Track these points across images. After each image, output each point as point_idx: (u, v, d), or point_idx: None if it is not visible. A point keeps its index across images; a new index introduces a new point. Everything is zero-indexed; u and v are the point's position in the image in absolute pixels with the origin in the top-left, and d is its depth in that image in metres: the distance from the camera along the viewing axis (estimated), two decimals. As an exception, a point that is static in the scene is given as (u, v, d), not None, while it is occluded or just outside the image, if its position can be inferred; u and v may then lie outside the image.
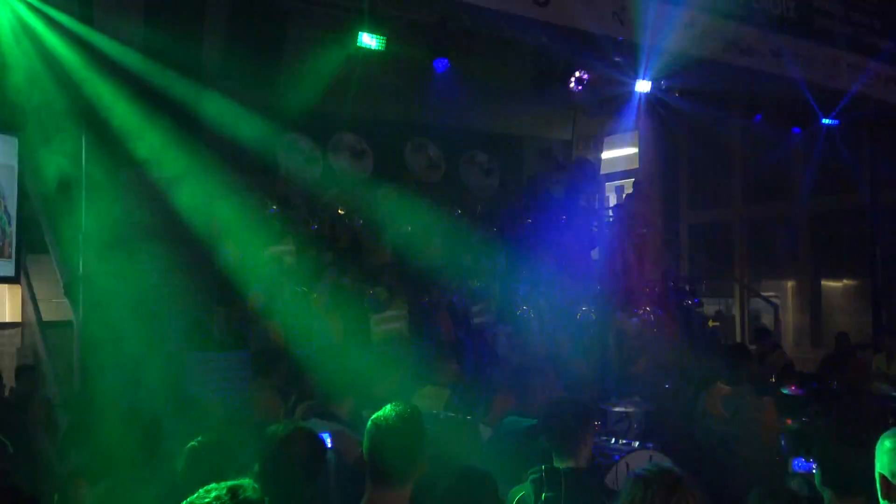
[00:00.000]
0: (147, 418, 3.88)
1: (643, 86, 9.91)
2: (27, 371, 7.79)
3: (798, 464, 3.48)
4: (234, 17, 7.65)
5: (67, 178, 8.80)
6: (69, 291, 8.59)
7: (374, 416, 2.73)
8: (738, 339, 14.46)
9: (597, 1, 8.56)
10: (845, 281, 15.19)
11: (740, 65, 9.85)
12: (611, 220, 13.32)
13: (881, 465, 2.60)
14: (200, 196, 10.94)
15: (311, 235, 10.31)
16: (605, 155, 16.11)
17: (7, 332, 9.34)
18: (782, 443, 5.77)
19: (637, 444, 5.61)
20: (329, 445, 3.83)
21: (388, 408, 2.75)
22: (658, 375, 9.20)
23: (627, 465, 4.99)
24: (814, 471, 3.33)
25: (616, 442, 5.70)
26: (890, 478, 2.53)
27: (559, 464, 3.31)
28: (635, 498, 2.23)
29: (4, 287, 9.42)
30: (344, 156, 11.44)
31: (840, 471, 2.89)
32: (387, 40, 8.36)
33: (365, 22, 8.22)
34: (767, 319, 14.37)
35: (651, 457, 5.09)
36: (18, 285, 9.38)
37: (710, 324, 13.12)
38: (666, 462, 5.02)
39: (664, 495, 2.19)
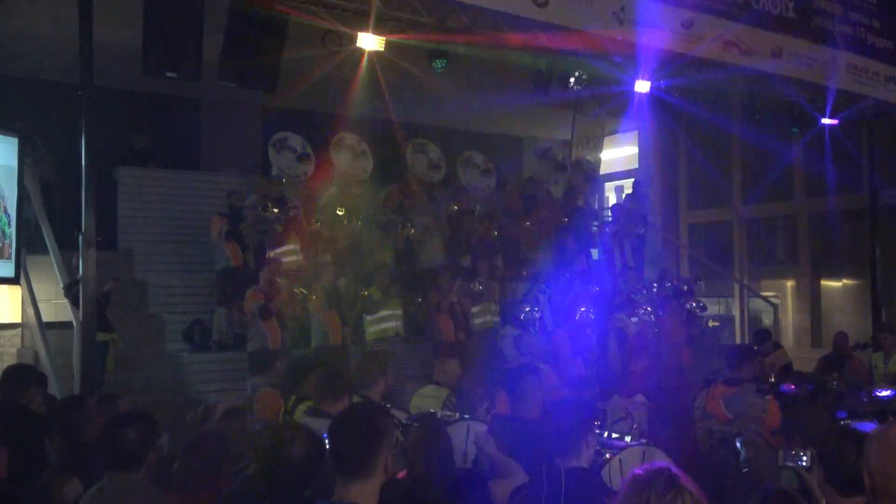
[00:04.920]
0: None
1: (643, 86, 9.90)
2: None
3: (788, 457, 3.46)
4: (235, 18, 7.65)
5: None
6: (68, 292, 8.59)
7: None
8: (738, 340, 14.46)
9: (596, 1, 8.56)
10: (845, 281, 15.18)
11: (740, 64, 9.84)
12: (610, 220, 13.31)
13: (865, 463, 2.59)
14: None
15: (312, 235, 10.32)
16: (605, 155, 16.12)
17: (7, 332, 9.34)
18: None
19: (629, 438, 5.59)
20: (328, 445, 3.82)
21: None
22: (659, 375, 9.19)
23: (621, 462, 4.97)
24: (803, 464, 3.33)
25: (610, 437, 5.66)
26: (875, 475, 2.52)
27: (560, 463, 3.30)
28: (631, 498, 2.24)
29: (4, 288, 9.42)
30: (344, 156, 11.46)
31: (840, 470, 2.88)
32: (386, 41, 8.35)
33: (365, 23, 8.23)
34: (767, 319, 14.38)
35: (644, 452, 5.08)
36: (18, 286, 9.38)
37: (711, 324, 13.11)
38: (661, 457, 5.00)
39: (661, 493, 2.21)
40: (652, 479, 2.26)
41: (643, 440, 5.31)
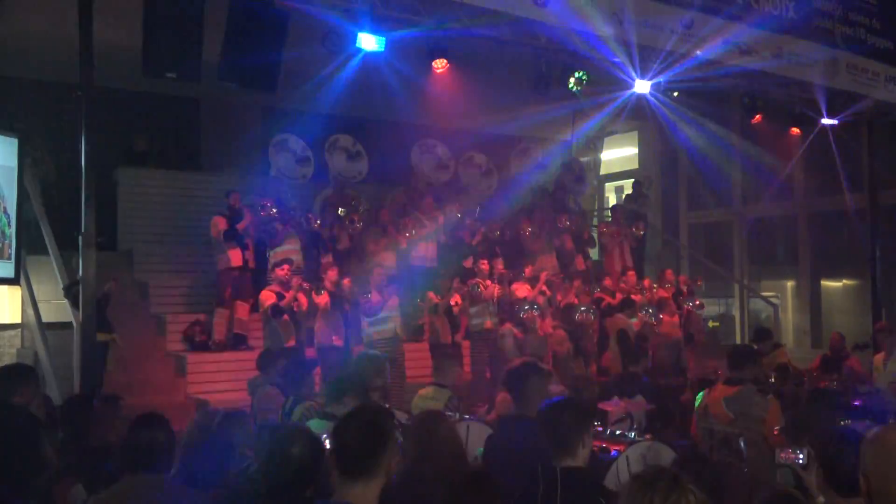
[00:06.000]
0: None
1: (643, 86, 9.90)
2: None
3: (784, 454, 3.46)
4: (235, 18, 7.64)
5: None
6: (68, 293, 8.59)
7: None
8: (738, 340, 14.46)
9: (596, 1, 8.55)
10: (845, 281, 15.19)
11: (740, 65, 9.85)
12: (609, 220, 13.32)
13: (862, 466, 2.59)
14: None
15: (313, 235, 10.32)
16: (605, 155, 16.11)
17: (7, 333, 9.33)
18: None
19: (633, 434, 5.58)
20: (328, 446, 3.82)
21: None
22: (659, 375, 9.20)
23: (628, 459, 4.97)
24: (800, 462, 3.32)
25: (613, 434, 5.66)
26: (871, 478, 2.52)
27: (557, 463, 3.30)
28: (635, 499, 2.22)
29: (4, 288, 9.42)
30: (339, 157, 11.48)
31: (840, 471, 2.88)
32: (386, 41, 8.35)
33: (365, 23, 8.22)
34: (767, 320, 14.37)
35: (650, 448, 5.08)
36: (18, 286, 9.38)
37: (711, 324, 13.11)
38: (667, 453, 5.00)
39: (664, 494, 2.19)
40: (655, 478, 2.24)
41: (647, 436, 5.32)
